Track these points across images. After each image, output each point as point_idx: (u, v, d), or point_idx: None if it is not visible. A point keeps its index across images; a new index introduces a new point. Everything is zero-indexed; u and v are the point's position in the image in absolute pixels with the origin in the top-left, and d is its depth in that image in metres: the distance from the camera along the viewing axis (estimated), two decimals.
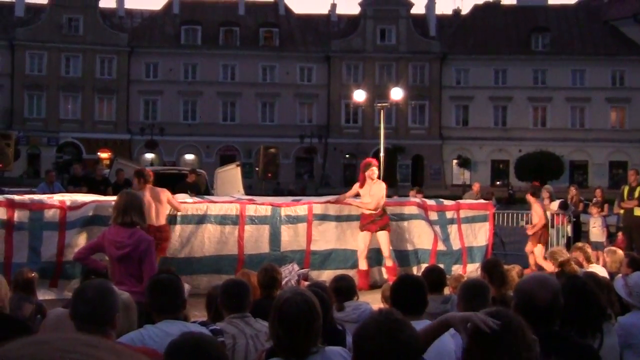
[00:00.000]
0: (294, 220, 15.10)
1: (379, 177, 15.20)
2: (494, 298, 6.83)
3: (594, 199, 21.39)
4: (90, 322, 4.28)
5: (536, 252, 17.24)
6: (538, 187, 20.66)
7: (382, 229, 14.72)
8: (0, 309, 6.45)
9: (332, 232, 15.37)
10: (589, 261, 10.40)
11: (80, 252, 8.64)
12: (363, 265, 14.79)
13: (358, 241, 15.00)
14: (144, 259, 7.81)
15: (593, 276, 6.99)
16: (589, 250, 10.90)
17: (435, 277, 8.03)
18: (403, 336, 3.48)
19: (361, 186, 15.01)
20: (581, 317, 4.77)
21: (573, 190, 22.69)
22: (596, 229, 20.06)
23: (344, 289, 7.72)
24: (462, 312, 5.87)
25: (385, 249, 14.82)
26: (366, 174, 14.99)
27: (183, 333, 4.07)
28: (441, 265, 11.61)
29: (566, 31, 78.02)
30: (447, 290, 8.41)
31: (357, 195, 15.25)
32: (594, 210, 20.49)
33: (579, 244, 11.62)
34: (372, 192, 14.85)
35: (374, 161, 15.51)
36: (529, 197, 18.50)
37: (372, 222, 14.78)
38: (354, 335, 3.62)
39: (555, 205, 21.73)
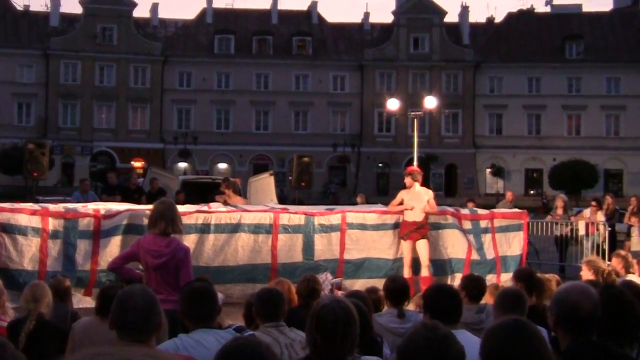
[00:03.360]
0: (327, 229, 15.08)
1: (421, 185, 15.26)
2: (529, 307, 6.78)
3: (629, 207, 21.16)
4: (139, 330, 4.25)
5: None
6: None
7: (423, 238, 14.74)
8: (43, 316, 6.49)
9: (365, 240, 15.34)
10: (628, 270, 10.21)
11: (114, 261, 8.63)
12: (407, 273, 14.73)
13: (403, 250, 15.00)
14: (181, 268, 7.81)
15: (631, 285, 6.90)
16: (630, 258, 10.69)
17: (479, 287, 7.91)
18: (450, 353, 3.46)
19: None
20: (619, 327, 4.71)
21: (609, 199, 22.47)
22: (634, 238, 19.84)
23: (397, 291, 7.63)
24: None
25: (425, 258, 14.79)
26: (405, 181, 15.10)
27: (235, 338, 4.04)
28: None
29: (600, 38, 77.40)
30: (483, 300, 8.31)
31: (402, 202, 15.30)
32: (634, 219, 20.28)
33: (622, 252, 11.38)
34: (418, 199, 14.90)
35: (416, 168, 15.63)
36: None
37: (415, 230, 14.80)
38: (399, 349, 3.60)
39: (587, 213, 21.58)
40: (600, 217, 21.14)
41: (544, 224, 21.72)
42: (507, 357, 3.48)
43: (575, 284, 4.64)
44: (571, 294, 4.32)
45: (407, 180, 15.16)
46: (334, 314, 4.08)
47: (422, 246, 14.79)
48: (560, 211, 22.04)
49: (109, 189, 21.87)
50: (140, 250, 8.02)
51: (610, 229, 20.13)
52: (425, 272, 14.77)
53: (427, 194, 15.14)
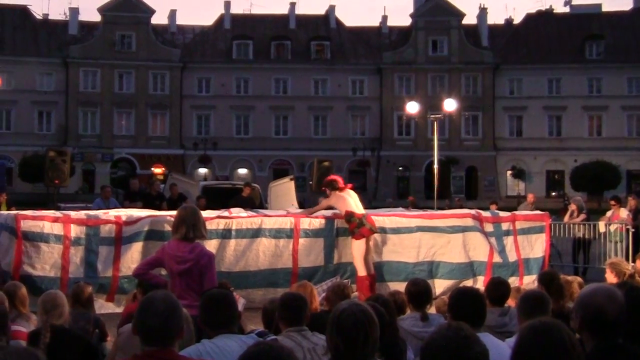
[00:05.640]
0: (347, 232, 15.06)
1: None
2: (552, 310, 6.73)
3: None
4: (161, 335, 4.26)
5: None
6: None
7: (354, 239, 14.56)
8: (60, 326, 6.49)
9: (385, 244, 15.30)
10: None
11: (139, 267, 8.65)
12: (362, 271, 14.55)
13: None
14: (205, 273, 7.81)
15: None
16: None
17: (503, 291, 7.84)
18: (473, 353, 3.44)
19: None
20: None
21: (632, 201, 22.30)
22: None
23: (419, 294, 7.52)
24: (522, 324, 5.79)
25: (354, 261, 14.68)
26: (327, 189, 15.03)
27: (257, 342, 4.03)
28: None
29: (621, 38, 76.77)
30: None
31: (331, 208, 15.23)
32: None
33: None
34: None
35: (334, 176, 15.43)
36: None
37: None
38: (422, 348, 3.58)
39: (609, 214, 21.38)
40: (624, 212, 20.92)
41: (566, 226, 21.54)
42: (539, 356, 3.46)
43: (600, 286, 4.58)
44: (597, 296, 4.26)
45: (328, 188, 15.01)
46: (354, 318, 4.06)
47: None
48: (576, 214, 21.80)
49: (131, 195, 21.93)
50: (164, 256, 8.03)
51: (634, 230, 19.94)
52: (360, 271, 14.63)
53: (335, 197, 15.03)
